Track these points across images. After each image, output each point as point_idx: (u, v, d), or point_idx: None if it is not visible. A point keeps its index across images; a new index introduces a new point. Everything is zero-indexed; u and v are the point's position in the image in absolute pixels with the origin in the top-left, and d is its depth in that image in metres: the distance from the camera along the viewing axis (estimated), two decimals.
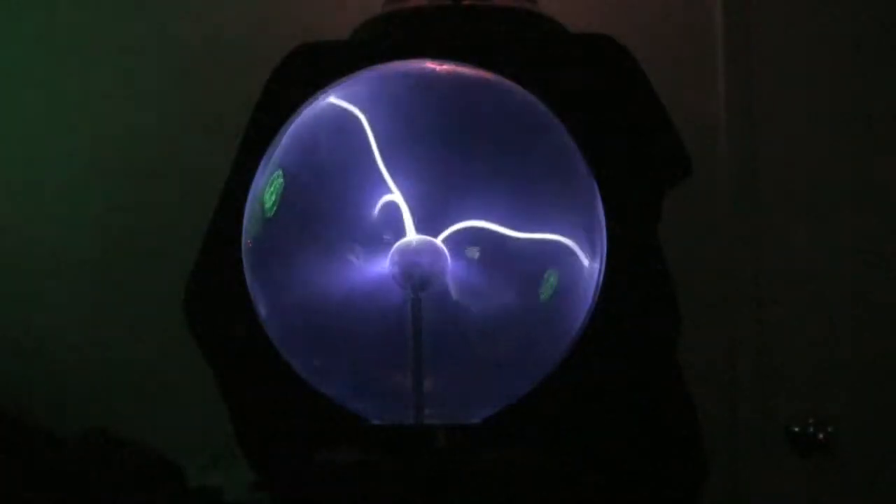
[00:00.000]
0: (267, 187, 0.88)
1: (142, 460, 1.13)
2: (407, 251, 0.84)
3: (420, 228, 0.84)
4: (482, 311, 0.85)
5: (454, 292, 0.84)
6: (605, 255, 0.90)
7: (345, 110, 0.88)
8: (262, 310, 0.90)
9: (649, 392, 1.05)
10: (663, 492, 1.05)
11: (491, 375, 0.87)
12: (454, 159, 0.85)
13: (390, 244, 0.84)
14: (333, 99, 0.90)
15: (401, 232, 0.84)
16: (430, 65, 0.90)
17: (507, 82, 0.90)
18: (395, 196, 0.84)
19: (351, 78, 0.91)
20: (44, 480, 1.07)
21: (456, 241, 0.84)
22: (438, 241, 0.84)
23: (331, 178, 0.86)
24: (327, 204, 0.86)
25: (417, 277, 0.84)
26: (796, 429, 1.37)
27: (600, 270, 0.90)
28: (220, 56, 1.47)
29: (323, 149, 0.88)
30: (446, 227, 0.84)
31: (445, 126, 0.86)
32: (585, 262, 0.86)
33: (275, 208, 0.87)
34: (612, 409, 1.02)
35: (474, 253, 0.84)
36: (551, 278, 0.86)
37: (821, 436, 1.36)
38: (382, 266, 0.84)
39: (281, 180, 0.87)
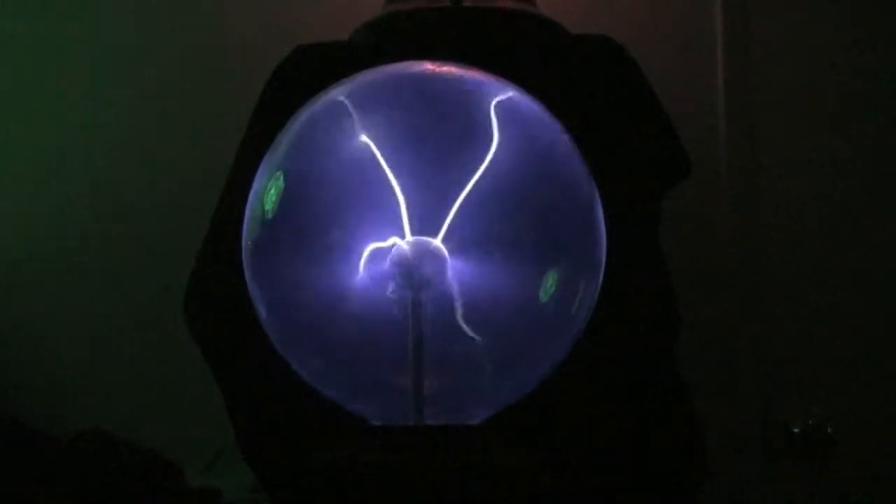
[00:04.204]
0: (267, 188, 0.88)
1: (142, 460, 1.13)
2: (407, 252, 0.84)
3: (419, 229, 0.84)
4: (482, 312, 0.85)
5: (454, 293, 0.84)
6: (604, 255, 0.90)
7: (345, 111, 0.88)
8: (262, 310, 0.90)
9: (649, 392, 1.05)
10: (663, 492, 1.05)
11: (491, 376, 0.87)
12: (453, 160, 0.85)
13: (390, 245, 0.84)
14: (333, 100, 0.90)
15: (400, 232, 0.84)
16: (430, 66, 0.90)
17: (507, 83, 0.90)
18: (395, 197, 0.84)
19: (351, 79, 0.91)
20: (43, 480, 1.07)
21: (456, 242, 0.84)
22: (438, 241, 0.84)
23: (331, 179, 0.86)
24: (327, 205, 0.86)
25: (417, 278, 0.84)
26: (796, 429, 1.37)
27: (600, 271, 0.90)
28: (221, 57, 1.47)
29: (323, 150, 0.88)
30: (445, 228, 0.84)
31: (445, 127, 0.86)
32: None
33: (275, 209, 0.87)
34: (612, 410, 1.02)
35: (474, 254, 0.84)
36: (551, 279, 0.86)
37: (821, 436, 1.36)
38: (382, 266, 0.84)
39: (281, 181, 0.87)
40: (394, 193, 0.84)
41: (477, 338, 0.85)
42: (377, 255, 0.84)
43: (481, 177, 0.85)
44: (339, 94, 0.90)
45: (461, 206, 0.84)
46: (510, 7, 1.13)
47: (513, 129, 0.88)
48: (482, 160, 0.85)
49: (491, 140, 0.86)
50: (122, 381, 1.45)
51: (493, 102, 0.88)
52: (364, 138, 0.86)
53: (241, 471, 1.13)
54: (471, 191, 0.84)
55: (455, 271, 0.84)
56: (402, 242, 0.84)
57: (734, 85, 1.42)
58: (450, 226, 0.84)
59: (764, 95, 1.42)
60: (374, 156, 0.85)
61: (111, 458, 1.12)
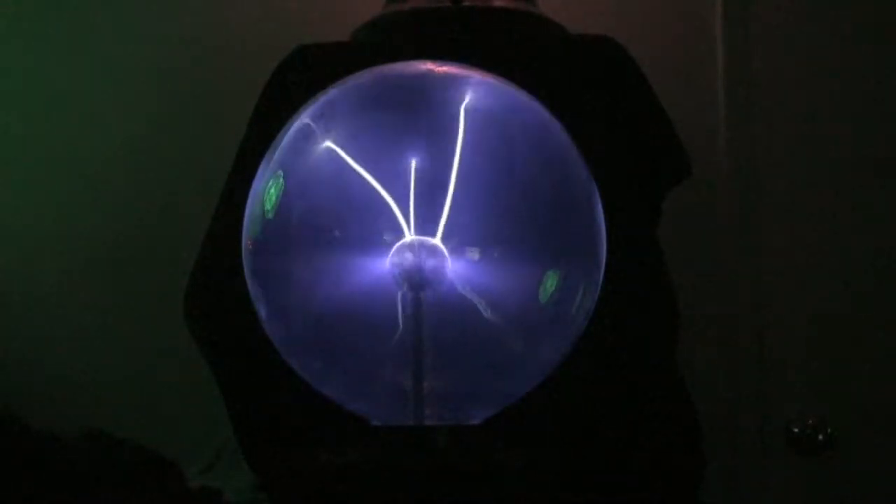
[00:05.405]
0: (267, 188, 0.88)
1: (142, 460, 1.13)
2: (407, 252, 0.84)
3: (419, 229, 0.84)
4: (482, 312, 0.85)
5: (454, 293, 0.84)
6: (604, 255, 0.90)
7: (344, 111, 0.88)
8: (262, 310, 0.90)
9: (649, 392, 1.05)
10: (662, 491, 1.05)
11: (491, 376, 0.87)
12: (453, 160, 0.85)
13: (390, 245, 0.85)
14: (333, 100, 0.90)
15: (401, 232, 0.84)
16: (430, 66, 0.90)
17: (507, 83, 0.90)
18: (395, 197, 0.84)
19: (351, 79, 0.91)
20: (43, 480, 1.07)
21: (456, 242, 0.84)
22: (438, 241, 0.84)
23: (331, 178, 0.86)
24: (327, 205, 0.86)
25: (417, 278, 0.84)
26: (796, 429, 1.37)
27: (600, 271, 0.90)
28: (220, 56, 1.47)
29: (323, 150, 0.88)
30: (445, 228, 0.84)
31: (445, 127, 0.86)
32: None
33: (275, 209, 0.87)
34: (612, 410, 1.02)
35: (474, 254, 0.84)
36: (551, 279, 0.86)
37: (821, 436, 1.36)
38: (382, 266, 0.85)
39: (281, 181, 0.87)
40: (393, 193, 0.84)
41: (476, 338, 0.85)
42: (377, 254, 0.84)
43: (482, 178, 0.85)
44: (339, 93, 0.90)
45: (462, 207, 0.84)
46: (510, 7, 1.13)
47: (513, 130, 0.88)
48: (482, 161, 0.85)
49: (491, 141, 0.86)
50: (122, 381, 1.45)
51: (493, 103, 0.89)
52: (364, 137, 0.86)
53: (241, 471, 1.13)
54: (471, 191, 0.84)
55: (455, 271, 0.84)
56: (403, 242, 0.84)
57: (734, 85, 1.42)
58: (450, 226, 0.84)
59: (764, 95, 1.42)
60: (373, 155, 0.85)
61: (111, 458, 1.12)
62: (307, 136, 0.90)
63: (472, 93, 0.89)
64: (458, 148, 0.85)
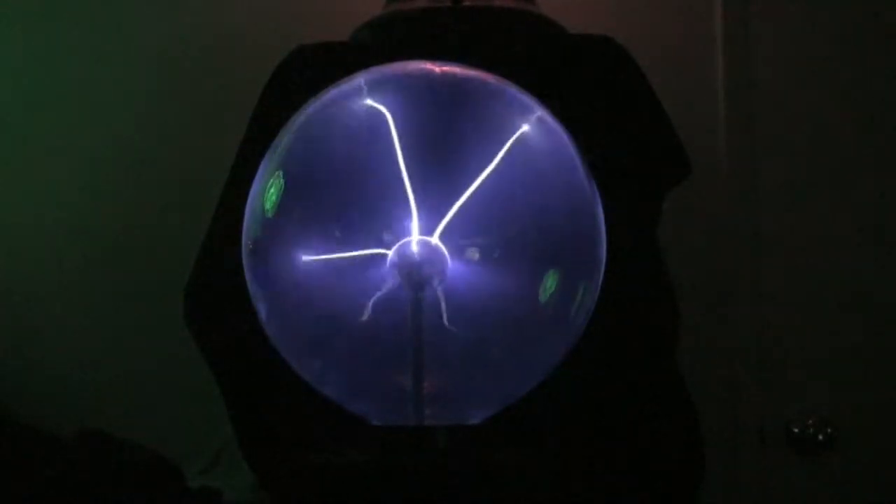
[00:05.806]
0: (267, 188, 0.88)
1: (142, 460, 1.13)
2: (407, 252, 0.84)
3: (420, 230, 0.84)
4: (482, 312, 0.85)
5: (454, 293, 0.84)
6: (604, 256, 0.90)
7: (345, 112, 0.88)
8: (262, 310, 0.90)
9: (649, 393, 1.05)
10: (662, 492, 1.05)
11: (491, 376, 0.87)
12: (453, 160, 0.85)
13: (390, 244, 0.84)
14: (333, 100, 0.90)
15: (401, 233, 0.84)
16: (430, 66, 0.90)
17: (507, 83, 0.90)
18: (395, 197, 0.84)
19: (351, 79, 0.91)
20: (43, 481, 1.07)
21: (456, 242, 0.84)
22: (438, 242, 0.84)
23: (331, 178, 0.86)
24: (327, 205, 0.86)
25: (417, 278, 0.84)
26: (796, 429, 1.37)
27: (600, 272, 0.90)
28: (221, 56, 1.47)
29: (323, 150, 0.88)
30: (445, 228, 0.84)
31: (444, 127, 0.86)
32: None
33: (275, 209, 0.87)
34: (612, 410, 1.02)
35: (474, 254, 0.84)
36: (550, 280, 0.86)
37: (821, 436, 1.36)
38: (383, 266, 0.84)
39: (281, 181, 0.87)
40: (394, 193, 0.84)
41: (476, 338, 0.85)
42: (377, 255, 0.84)
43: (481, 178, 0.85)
44: (339, 93, 0.90)
45: (462, 207, 0.84)
46: (510, 7, 1.13)
47: (512, 130, 0.88)
48: (481, 161, 0.85)
49: (491, 141, 0.86)
50: (122, 381, 1.45)
51: (493, 103, 0.89)
52: (364, 138, 0.86)
53: (241, 471, 1.13)
54: (472, 192, 0.84)
55: (455, 271, 0.84)
56: (403, 242, 0.84)
57: (734, 85, 1.42)
58: (450, 226, 0.84)
59: (764, 95, 1.42)
60: (373, 156, 0.85)
61: (111, 458, 1.12)
62: (307, 135, 0.89)
63: (472, 93, 0.89)
64: (456, 149, 0.85)
